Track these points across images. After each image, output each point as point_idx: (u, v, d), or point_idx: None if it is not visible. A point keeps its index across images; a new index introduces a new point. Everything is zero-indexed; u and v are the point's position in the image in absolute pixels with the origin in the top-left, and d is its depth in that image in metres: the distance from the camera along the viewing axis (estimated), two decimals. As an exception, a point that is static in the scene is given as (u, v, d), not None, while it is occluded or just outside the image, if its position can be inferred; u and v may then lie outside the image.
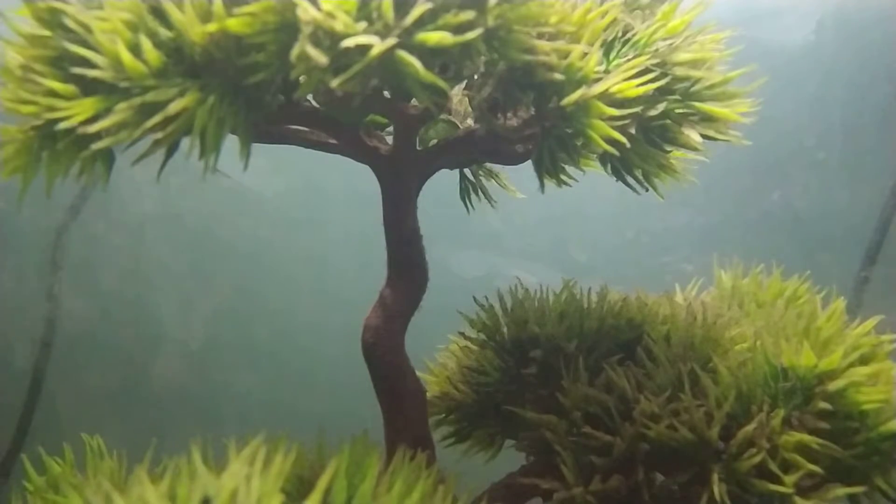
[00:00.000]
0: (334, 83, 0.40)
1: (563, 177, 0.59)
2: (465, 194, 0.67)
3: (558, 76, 0.46)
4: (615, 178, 0.58)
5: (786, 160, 1.59)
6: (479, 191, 0.67)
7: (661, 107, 0.52)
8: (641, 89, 0.49)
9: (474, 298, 0.64)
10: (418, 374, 0.59)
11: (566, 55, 0.46)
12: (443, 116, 0.57)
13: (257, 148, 0.47)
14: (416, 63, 0.39)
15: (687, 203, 1.58)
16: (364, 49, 0.39)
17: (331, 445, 0.47)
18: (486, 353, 0.64)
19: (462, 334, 0.66)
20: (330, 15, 0.39)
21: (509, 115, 0.52)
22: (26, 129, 0.44)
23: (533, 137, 0.54)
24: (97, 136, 0.42)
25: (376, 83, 0.41)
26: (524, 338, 0.60)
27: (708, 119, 0.55)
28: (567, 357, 0.58)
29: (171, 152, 0.45)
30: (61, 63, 0.43)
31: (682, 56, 0.53)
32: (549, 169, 0.56)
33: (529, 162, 0.57)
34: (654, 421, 0.51)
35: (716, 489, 0.48)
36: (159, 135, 0.42)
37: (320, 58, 0.39)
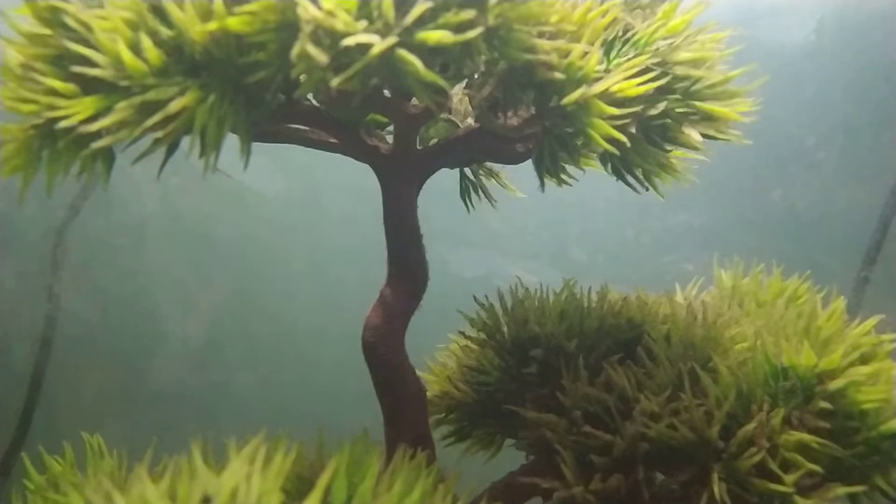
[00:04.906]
0: (335, 82, 0.40)
1: (563, 176, 0.59)
2: (465, 194, 0.67)
3: (559, 75, 0.46)
4: (615, 178, 0.58)
5: (786, 160, 1.59)
6: (480, 190, 0.67)
7: (661, 106, 0.52)
8: (642, 88, 0.49)
9: (474, 298, 0.64)
10: (418, 373, 0.59)
11: (566, 54, 0.46)
12: (443, 115, 0.57)
13: (257, 147, 0.47)
14: (416, 62, 0.39)
15: (687, 203, 1.59)
16: (364, 48, 0.39)
17: (331, 444, 0.47)
18: (487, 352, 0.64)
19: (462, 333, 0.66)
20: (330, 14, 0.39)
21: (510, 114, 0.52)
22: (26, 127, 0.44)
23: (533, 136, 0.54)
24: (97, 134, 0.42)
25: (376, 82, 0.42)
26: (524, 337, 0.60)
27: (708, 118, 0.55)
28: (567, 356, 0.58)
29: (171, 151, 0.45)
30: (62, 62, 0.43)
31: (683, 55, 0.53)
32: (549, 168, 0.56)
33: (529, 161, 0.57)
34: (655, 420, 0.51)
35: (716, 488, 0.48)
36: (159, 134, 0.42)
37: (321, 56, 0.39)
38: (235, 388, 1.57)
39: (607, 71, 0.49)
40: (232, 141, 0.44)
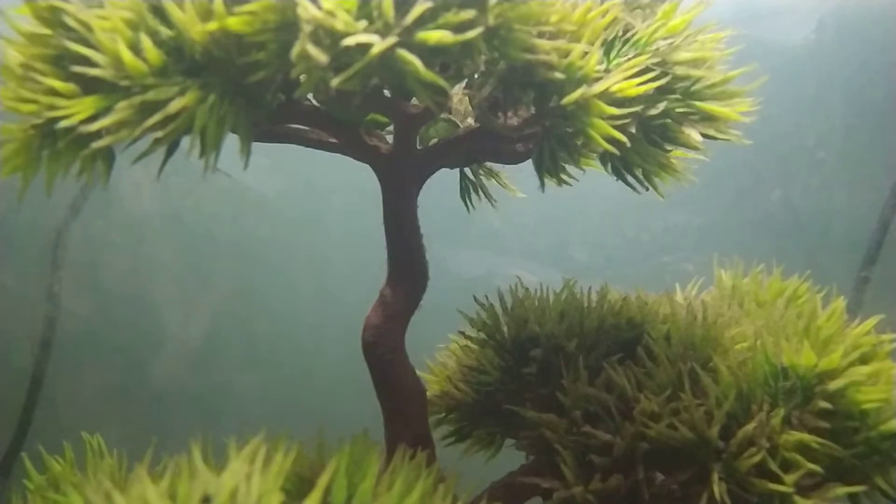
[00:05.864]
0: (335, 82, 0.40)
1: (563, 176, 0.59)
2: (465, 194, 0.67)
3: (559, 75, 0.46)
4: (615, 178, 0.58)
5: (786, 160, 1.59)
6: (480, 190, 0.67)
7: (661, 106, 0.52)
8: (642, 88, 0.49)
9: (474, 297, 0.64)
10: (418, 373, 0.59)
11: (567, 54, 0.46)
12: (443, 115, 0.57)
13: (258, 147, 0.47)
14: (416, 62, 0.39)
15: (687, 202, 1.59)
16: (364, 48, 0.39)
17: (331, 444, 0.47)
18: (487, 352, 0.64)
19: (462, 333, 0.66)
20: (330, 13, 0.39)
21: (510, 114, 0.52)
22: (26, 127, 0.44)
23: (533, 136, 0.54)
24: (97, 134, 0.42)
25: (377, 82, 0.42)
26: (524, 337, 0.60)
27: (708, 118, 0.55)
28: (567, 356, 0.58)
29: (171, 151, 0.45)
30: (62, 62, 0.43)
31: (683, 55, 0.53)
32: (549, 168, 0.56)
33: (529, 161, 0.57)
34: (654, 420, 0.51)
35: (716, 488, 0.48)
36: (159, 133, 0.42)
37: (321, 56, 0.39)
38: (236, 387, 1.57)
39: (607, 71, 0.49)
40: (232, 141, 0.44)
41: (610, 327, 0.59)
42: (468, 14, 0.40)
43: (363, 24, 0.40)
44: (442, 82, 0.41)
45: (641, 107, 0.50)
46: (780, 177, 1.60)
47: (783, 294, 0.66)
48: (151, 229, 1.59)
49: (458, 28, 0.40)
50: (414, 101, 0.53)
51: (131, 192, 1.54)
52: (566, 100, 0.47)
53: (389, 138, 0.57)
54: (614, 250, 1.64)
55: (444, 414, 0.66)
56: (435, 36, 0.40)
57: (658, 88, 0.51)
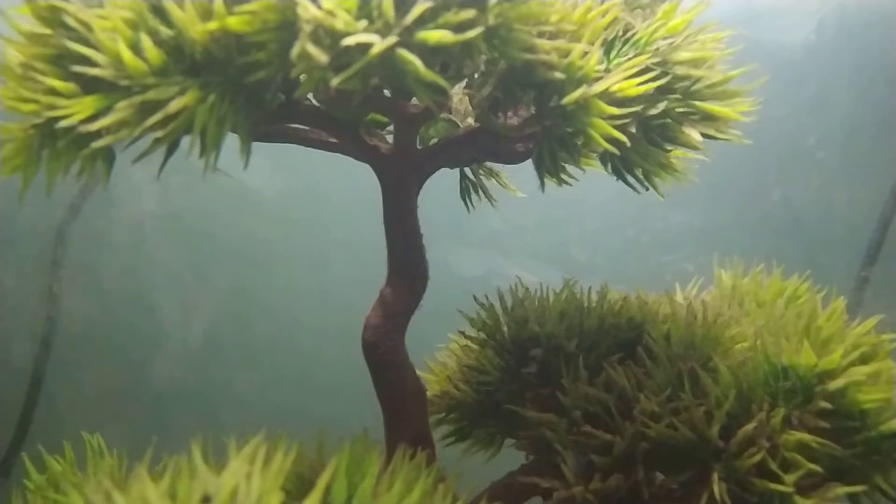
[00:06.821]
0: (335, 82, 0.40)
1: (563, 176, 0.59)
2: (465, 193, 0.67)
3: (559, 75, 0.46)
4: (615, 178, 0.58)
5: (786, 160, 1.59)
6: (480, 190, 0.67)
7: (661, 106, 0.52)
8: (642, 88, 0.49)
9: (474, 297, 0.64)
10: (418, 372, 0.59)
11: (567, 54, 0.46)
12: (443, 115, 0.57)
13: (258, 147, 0.47)
14: (416, 62, 0.39)
15: (687, 202, 1.58)
16: (364, 47, 0.39)
17: (331, 444, 0.47)
18: (487, 352, 0.64)
19: (462, 333, 0.66)
20: (330, 13, 0.39)
21: (510, 113, 0.52)
22: (27, 127, 0.44)
23: (533, 136, 0.54)
24: (97, 134, 0.42)
25: (377, 82, 0.42)
26: (524, 337, 0.60)
27: (708, 118, 0.55)
28: (567, 356, 0.58)
29: (171, 151, 0.45)
30: (62, 61, 0.43)
31: (683, 55, 0.53)
32: (549, 168, 0.56)
33: (530, 161, 0.57)
34: (654, 420, 0.51)
35: (716, 488, 0.48)
36: (159, 133, 0.42)
37: (321, 56, 0.39)
38: (235, 387, 1.57)
39: (607, 71, 0.50)
40: (232, 141, 0.44)
41: (610, 327, 0.59)
42: (468, 14, 0.40)
43: (363, 23, 0.40)
44: (442, 82, 0.41)
45: (641, 107, 0.50)
46: (780, 177, 1.60)
47: (783, 294, 0.66)
48: (152, 228, 1.59)
49: (458, 28, 0.40)
50: (414, 101, 0.53)
51: (131, 192, 1.54)
52: (566, 100, 0.47)
53: (389, 138, 0.57)
54: (614, 250, 1.63)
55: (444, 414, 0.66)
56: (435, 36, 0.40)
57: (658, 88, 0.51)
